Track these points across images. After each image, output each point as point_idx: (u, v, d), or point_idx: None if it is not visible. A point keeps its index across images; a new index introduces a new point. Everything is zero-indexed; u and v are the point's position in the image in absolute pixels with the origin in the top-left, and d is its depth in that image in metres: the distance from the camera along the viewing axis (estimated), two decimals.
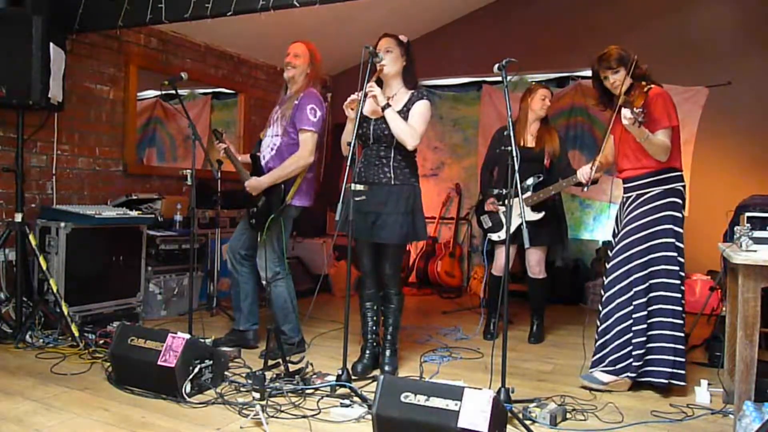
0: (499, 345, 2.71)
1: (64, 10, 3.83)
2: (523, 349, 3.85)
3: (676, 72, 5.01)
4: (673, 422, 2.59)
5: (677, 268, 2.92)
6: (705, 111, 5.17)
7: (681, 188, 3.00)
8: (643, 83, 2.89)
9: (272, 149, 3.50)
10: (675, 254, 2.92)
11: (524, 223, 2.56)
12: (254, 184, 3.43)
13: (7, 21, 3.47)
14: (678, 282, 2.91)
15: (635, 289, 2.93)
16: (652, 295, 2.92)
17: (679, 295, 2.91)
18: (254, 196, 3.45)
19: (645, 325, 2.91)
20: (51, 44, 3.56)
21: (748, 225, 2.67)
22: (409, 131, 3.01)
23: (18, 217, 3.62)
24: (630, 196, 3.07)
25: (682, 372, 2.89)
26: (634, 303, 2.94)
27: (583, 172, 3.27)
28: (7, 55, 3.45)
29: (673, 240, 2.93)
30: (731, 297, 2.90)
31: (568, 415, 2.61)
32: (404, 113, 3.06)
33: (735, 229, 2.60)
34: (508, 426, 2.34)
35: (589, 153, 5.57)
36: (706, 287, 4.77)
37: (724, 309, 3.25)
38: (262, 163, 3.50)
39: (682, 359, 2.90)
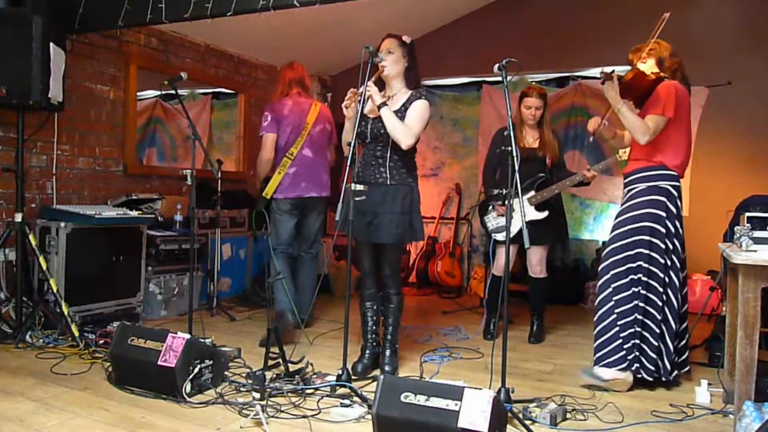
0: (499, 345, 2.71)
1: (64, 10, 3.83)
2: (523, 349, 3.85)
3: None
4: (673, 422, 2.59)
5: (646, 266, 2.93)
6: (705, 111, 5.17)
7: (669, 186, 2.96)
8: (661, 73, 2.92)
9: None
10: (647, 251, 2.93)
11: (524, 224, 2.56)
12: (249, 189, 3.92)
13: (7, 21, 3.47)
14: (644, 278, 2.92)
15: (614, 285, 2.98)
16: (633, 290, 2.95)
17: (645, 293, 2.92)
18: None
19: (631, 318, 2.94)
20: (51, 44, 3.56)
21: (748, 225, 2.67)
22: (403, 130, 2.99)
23: (18, 217, 3.62)
24: (624, 192, 3.11)
25: (652, 368, 2.93)
26: (615, 299, 2.98)
27: (593, 121, 3.25)
28: (7, 55, 3.45)
29: (648, 237, 2.93)
30: (731, 297, 2.90)
31: (568, 415, 2.61)
32: (402, 112, 3.06)
33: (735, 229, 2.60)
34: (508, 426, 2.34)
35: (589, 153, 5.58)
36: (706, 287, 4.77)
37: (724, 309, 3.25)
38: None
39: (655, 355, 2.93)
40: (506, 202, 2.73)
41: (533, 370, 3.37)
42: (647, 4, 5.39)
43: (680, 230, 3.01)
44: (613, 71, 2.85)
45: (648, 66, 3.00)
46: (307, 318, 4.00)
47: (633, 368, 2.94)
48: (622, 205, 3.09)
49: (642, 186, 2.99)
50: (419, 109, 3.07)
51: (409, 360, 3.44)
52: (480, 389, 2.11)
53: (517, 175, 2.62)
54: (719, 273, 3.98)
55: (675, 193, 2.98)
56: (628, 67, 3.01)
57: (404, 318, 3.39)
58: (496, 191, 4.01)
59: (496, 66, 2.71)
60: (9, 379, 2.87)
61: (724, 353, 3.03)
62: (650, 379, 2.94)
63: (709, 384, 2.87)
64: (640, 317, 2.94)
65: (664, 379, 2.96)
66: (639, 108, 3.02)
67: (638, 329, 2.94)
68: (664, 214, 2.94)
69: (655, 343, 2.93)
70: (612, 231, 3.06)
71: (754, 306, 2.39)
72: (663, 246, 2.95)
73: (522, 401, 2.65)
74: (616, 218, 3.08)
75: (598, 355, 3.03)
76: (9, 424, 2.36)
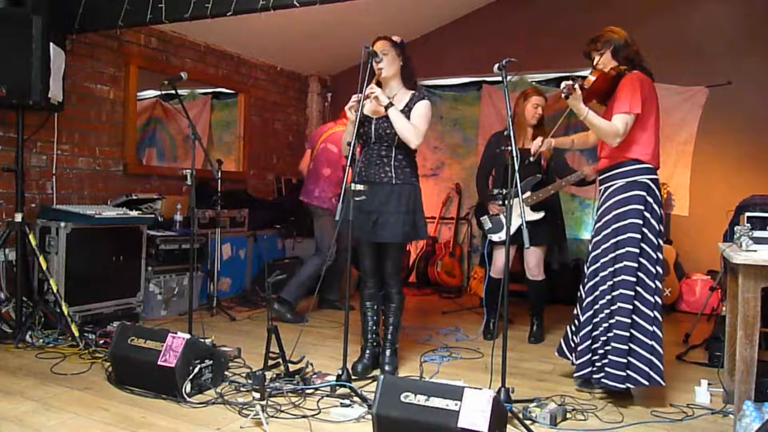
0: (499, 345, 2.71)
1: (64, 10, 3.83)
2: (523, 349, 3.85)
3: (676, 72, 5.01)
4: (673, 422, 2.59)
5: (635, 264, 2.78)
6: (705, 111, 5.17)
7: (648, 181, 2.84)
8: (621, 67, 2.86)
9: None
10: (636, 250, 2.79)
11: (524, 224, 2.56)
12: None
13: (7, 21, 3.47)
14: (633, 279, 2.76)
15: (601, 289, 2.84)
16: (615, 293, 2.80)
17: (632, 293, 2.76)
18: None
19: (607, 324, 2.79)
20: (51, 44, 3.56)
21: (748, 225, 2.67)
22: (413, 130, 3.04)
23: (18, 217, 3.62)
24: (600, 190, 3.02)
25: (635, 376, 2.72)
26: (601, 303, 2.84)
27: (535, 144, 3.44)
28: (7, 55, 3.44)
29: (635, 235, 2.80)
30: (731, 297, 2.89)
31: (568, 415, 2.61)
32: (405, 113, 3.08)
33: (735, 229, 2.59)
34: (508, 426, 2.34)
35: (589, 154, 5.57)
36: (706, 287, 4.77)
37: (724, 309, 3.24)
38: None
39: (637, 362, 2.72)
40: (506, 202, 2.73)
41: (533, 370, 3.37)
42: (647, 3, 5.41)
43: (661, 224, 2.87)
44: (575, 84, 2.75)
45: (605, 59, 2.91)
46: (292, 301, 4.41)
47: (599, 375, 2.77)
48: (601, 206, 2.96)
49: (621, 182, 2.88)
50: (423, 109, 3.11)
51: (409, 360, 3.44)
52: (480, 389, 2.11)
53: (516, 175, 2.62)
54: (719, 273, 3.99)
55: (654, 187, 2.87)
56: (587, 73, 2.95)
57: (404, 318, 3.40)
58: (495, 191, 4.01)
59: (496, 66, 2.71)
60: (9, 379, 2.87)
61: (724, 353, 3.02)
62: (621, 386, 2.74)
63: (709, 384, 2.87)
64: (616, 320, 2.77)
65: (625, 385, 2.76)
66: (604, 104, 2.93)
67: (610, 335, 2.77)
68: (644, 209, 2.82)
69: (649, 342, 2.75)
70: (596, 235, 2.93)
71: (754, 306, 2.39)
72: (649, 243, 2.82)
73: (522, 401, 2.65)
74: (597, 221, 2.95)
75: (580, 361, 2.89)
76: (9, 424, 2.36)
